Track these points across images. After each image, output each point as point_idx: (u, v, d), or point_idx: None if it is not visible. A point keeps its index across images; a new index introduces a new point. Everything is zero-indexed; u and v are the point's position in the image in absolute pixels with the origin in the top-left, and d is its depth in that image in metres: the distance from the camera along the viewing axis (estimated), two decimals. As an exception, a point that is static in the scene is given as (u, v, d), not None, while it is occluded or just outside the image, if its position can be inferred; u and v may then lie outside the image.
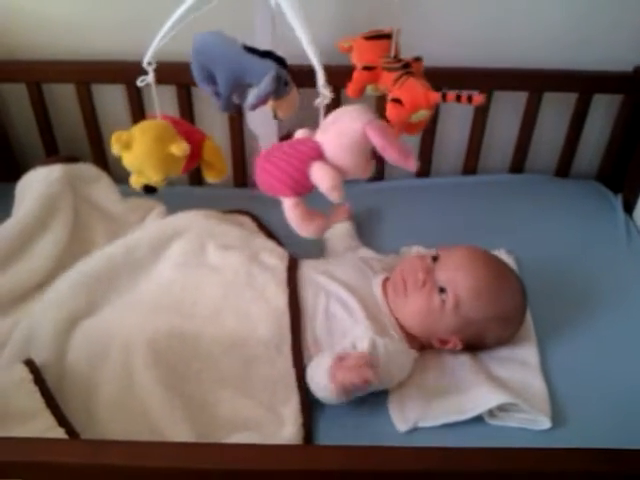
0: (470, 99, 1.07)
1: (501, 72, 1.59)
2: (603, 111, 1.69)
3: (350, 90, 1.22)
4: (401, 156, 1.03)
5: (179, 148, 1.16)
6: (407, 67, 1.14)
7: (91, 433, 1.15)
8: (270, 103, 1.16)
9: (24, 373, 1.16)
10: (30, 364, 1.18)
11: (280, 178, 1.06)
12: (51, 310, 1.28)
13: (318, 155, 1.05)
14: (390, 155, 1.03)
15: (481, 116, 1.66)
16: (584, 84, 1.61)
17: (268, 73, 1.13)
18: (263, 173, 1.08)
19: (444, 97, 1.07)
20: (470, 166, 1.75)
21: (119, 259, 1.37)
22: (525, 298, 1.32)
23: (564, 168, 1.76)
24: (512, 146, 1.73)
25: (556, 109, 1.68)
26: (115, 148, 1.15)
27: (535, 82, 1.62)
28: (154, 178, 1.18)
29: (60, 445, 0.97)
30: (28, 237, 1.40)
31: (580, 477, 0.92)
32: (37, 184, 1.45)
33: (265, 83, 1.12)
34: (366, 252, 1.50)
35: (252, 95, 1.13)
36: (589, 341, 1.34)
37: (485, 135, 1.70)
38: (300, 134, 1.12)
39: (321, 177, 1.03)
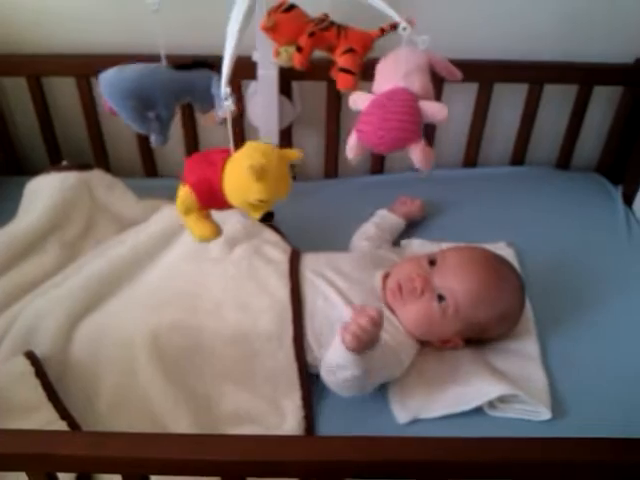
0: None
1: (501, 64, 1.59)
2: (604, 103, 1.69)
3: (301, 61, 1.22)
4: (455, 70, 1.17)
5: (298, 155, 1.06)
6: (334, 22, 1.20)
7: (93, 426, 1.15)
8: (211, 114, 1.19)
9: (25, 366, 1.16)
10: (31, 356, 1.18)
11: (409, 128, 1.11)
12: (58, 305, 1.28)
13: (415, 97, 1.11)
14: (449, 70, 1.17)
15: (482, 108, 1.65)
16: (584, 76, 1.61)
17: (212, 81, 1.16)
18: (390, 132, 1.11)
19: (382, 31, 1.16)
20: (471, 158, 1.75)
21: (127, 257, 1.38)
22: (524, 293, 1.32)
23: (564, 160, 1.76)
24: (513, 138, 1.73)
25: (556, 101, 1.68)
26: (256, 180, 0.98)
27: (535, 74, 1.61)
28: (279, 200, 1.05)
29: (62, 437, 0.97)
30: (39, 240, 1.42)
31: (585, 467, 0.92)
32: (51, 189, 1.46)
33: (217, 97, 1.14)
34: (387, 250, 1.49)
35: (219, 109, 1.15)
36: (589, 332, 1.35)
37: (486, 127, 1.69)
38: (359, 96, 1.16)
39: (438, 110, 1.11)
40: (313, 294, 1.30)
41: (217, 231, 1.10)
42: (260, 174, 0.97)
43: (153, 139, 1.23)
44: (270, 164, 0.99)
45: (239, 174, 1.00)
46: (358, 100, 1.16)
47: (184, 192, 1.06)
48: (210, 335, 1.26)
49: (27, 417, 1.10)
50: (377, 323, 1.10)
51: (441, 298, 1.25)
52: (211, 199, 1.05)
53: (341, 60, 1.18)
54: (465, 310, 1.25)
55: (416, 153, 1.12)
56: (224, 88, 1.00)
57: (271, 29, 1.23)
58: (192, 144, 1.70)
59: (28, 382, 1.14)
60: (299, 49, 1.21)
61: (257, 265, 1.35)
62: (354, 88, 1.18)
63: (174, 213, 1.45)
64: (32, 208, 1.45)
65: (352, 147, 1.15)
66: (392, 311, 1.29)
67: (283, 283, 1.32)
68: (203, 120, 1.27)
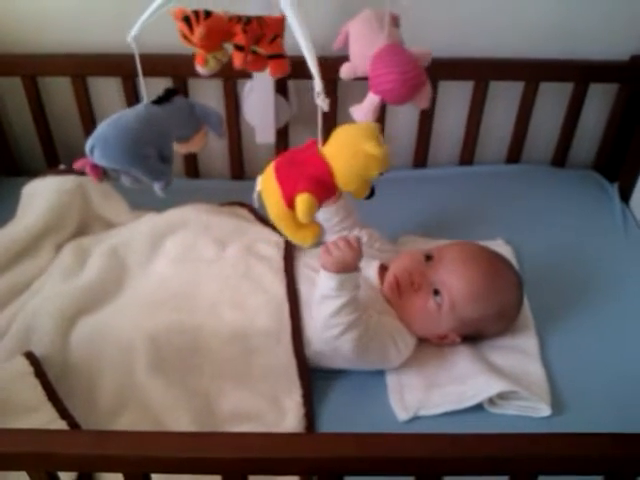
0: None
1: (497, 62, 1.60)
2: (599, 100, 1.69)
3: (245, 59, 1.22)
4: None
5: (378, 127, 1.11)
6: (249, 16, 1.21)
7: (93, 425, 1.15)
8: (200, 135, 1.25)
9: (24, 366, 1.16)
10: (30, 357, 1.18)
11: (422, 72, 1.23)
12: (50, 305, 1.28)
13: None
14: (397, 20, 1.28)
15: (477, 106, 1.66)
16: (580, 73, 1.61)
17: (194, 105, 1.21)
18: (412, 80, 1.21)
19: None
20: (467, 156, 1.75)
21: (115, 259, 1.39)
22: (521, 290, 1.32)
23: (561, 158, 1.76)
24: (509, 136, 1.73)
25: (552, 99, 1.68)
26: (379, 155, 1.03)
27: (531, 72, 1.62)
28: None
29: (63, 436, 0.97)
30: (36, 242, 1.43)
31: (585, 462, 0.92)
32: (49, 193, 1.47)
33: (210, 114, 1.22)
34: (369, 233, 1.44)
35: (216, 126, 1.22)
36: (587, 329, 1.35)
37: (482, 125, 1.70)
38: (350, 65, 1.25)
39: (424, 52, 1.25)
40: (309, 288, 1.30)
41: (321, 226, 1.13)
42: (381, 148, 1.03)
43: (158, 186, 1.22)
44: (375, 138, 1.05)
45: (355, 157, 1.04)
46: (354, 68, 1.24)
47: (307, 199, 1.04)
48: (208, 334, 1.25)
49: (27, 417, 1.10)
50: (352, 244, 1.15)
51: (437, 292, 1.25)
52: (321, 196, 1.08)
53: (273, 48, 1.20)
54: (460, 306, 1.25)
55: (424, 93, 1.24)
56: (318, 85, 1.01)
57: (200, 39, 1.21)
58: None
59: (27, 382, 1.14)
60: (240, 48, 1.20)
61: (252, 263, 1.36)
62: (288, 71, 1.21)
63: (157, 218, 1.46)
64: (29, 211, 1.46)
65: (374, 109, 1.23)
66: (390, 304, 1.29)
67: (279, 279, 1.32)
68: (184, 148, 1.27)
